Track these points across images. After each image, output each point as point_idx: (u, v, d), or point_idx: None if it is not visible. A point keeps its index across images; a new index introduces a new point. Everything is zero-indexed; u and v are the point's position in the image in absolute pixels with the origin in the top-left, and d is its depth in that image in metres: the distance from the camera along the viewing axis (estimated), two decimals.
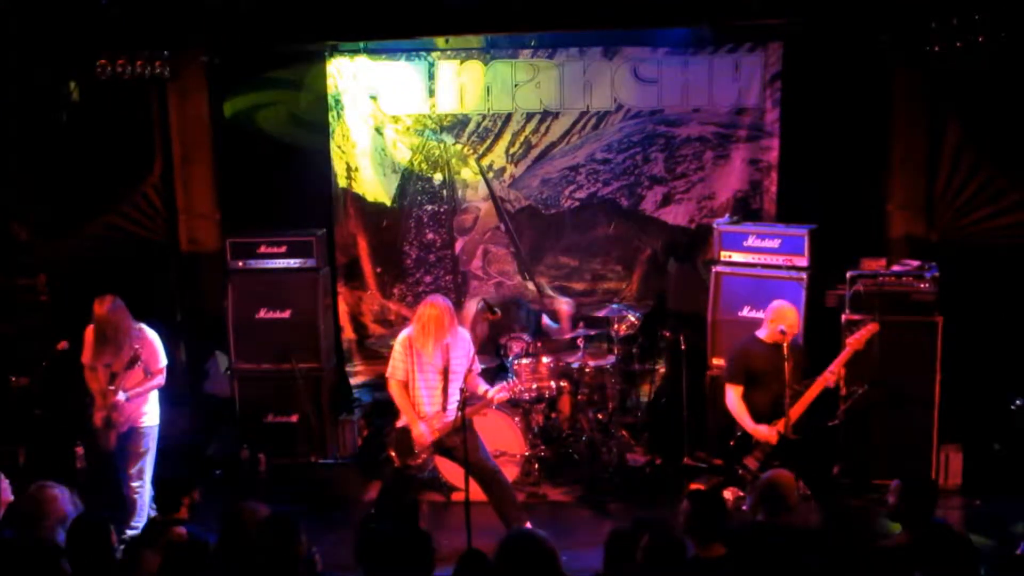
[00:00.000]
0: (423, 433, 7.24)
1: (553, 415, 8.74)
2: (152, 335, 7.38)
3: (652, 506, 7.87)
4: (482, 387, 7.38)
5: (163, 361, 7.41)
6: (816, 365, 7.34)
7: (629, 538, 4.88)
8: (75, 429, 8.11)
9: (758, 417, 7.29)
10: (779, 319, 7.23)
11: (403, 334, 7.39)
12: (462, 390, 6.98)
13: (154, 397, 7.45)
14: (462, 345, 7.29)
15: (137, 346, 7.19)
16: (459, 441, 6.97)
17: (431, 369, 7.24)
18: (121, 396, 7.17)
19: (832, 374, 7.21)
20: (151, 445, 7.41)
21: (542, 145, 9.54)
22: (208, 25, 8.58)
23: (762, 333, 7.39)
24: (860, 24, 8.33)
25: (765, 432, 7.22)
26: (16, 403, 8.21)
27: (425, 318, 7.19)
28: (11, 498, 6.11)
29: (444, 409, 7.26)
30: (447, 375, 7.20)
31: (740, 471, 7.38)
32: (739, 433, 7.36)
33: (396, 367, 7.32)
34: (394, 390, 7.35)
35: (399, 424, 7.42)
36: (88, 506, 5.94)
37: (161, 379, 7.41)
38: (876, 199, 9.00)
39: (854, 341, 7.25)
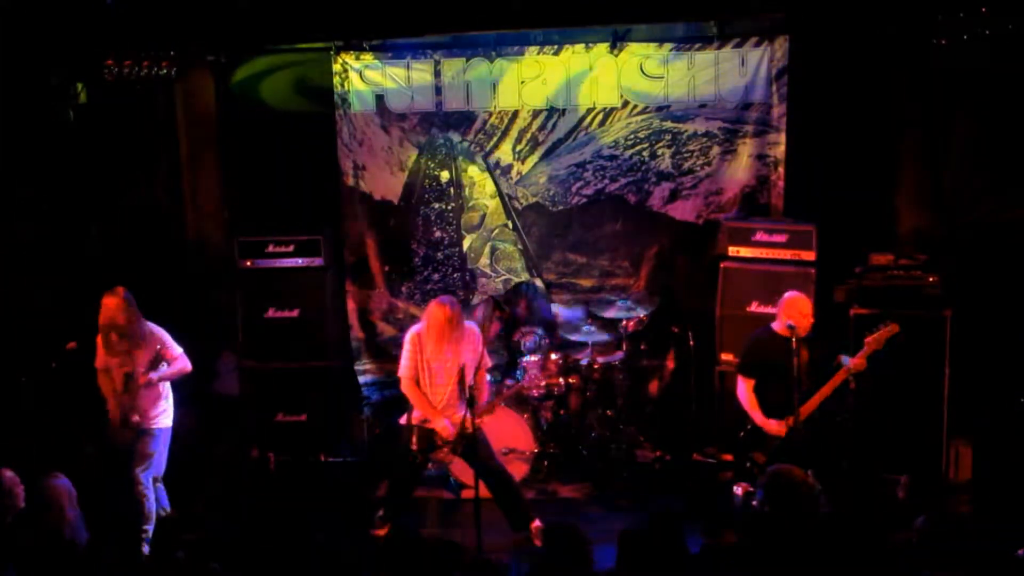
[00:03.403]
0: (446, 426, 7.24)
1: (562, 412, 8.73)
2: (159, 329, 7.36)
3: (661, 502, 7.86)
4: (488, 390, 7.38)
5: (178, 348, 7.38)
6: (825, 360, 7.31)
7: (640, 537, 4.89)
8: (85, 429, 8.12)
9: (770, 410, 7.19)
10: (791, 309, 7.15)
11: (412, 330, 7.39)
12: (470, 387, 6.97)
13: (169, 399, 7.44)
14: (471, 341, 7.28)
15: (159, 346, 7.21)
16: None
17: (439, 366, 7.24)
18: (153, 375, 7.17)
19: (848, 371, 7.14)
20: (162, 447, 7.39)
21: (549, 142, 9.53)
22: (214, 25, 8.59)
23: (776, 325, 7.31)
24: (867, 18, 8.31)
25: (775, 427, 7.15)
26: (26, 403, 8.22)
27: (433, 319, 7.19)
28: (21, 504, 6.10)
29: (453, 406, 7.27)
30: (455, 372, 7.20)
31: (748, 464, 7.34)
32: (749, 426, 7.29)
33: (407, 364, 7.32)
34: (406, 387, 7.33)
35: (405, 420, 7.42)
36: (99, 507, 5.95)
37: (186, 362, 7.36)
38: (884, 193, 8.98)
39: (873, 341, 7.12)
